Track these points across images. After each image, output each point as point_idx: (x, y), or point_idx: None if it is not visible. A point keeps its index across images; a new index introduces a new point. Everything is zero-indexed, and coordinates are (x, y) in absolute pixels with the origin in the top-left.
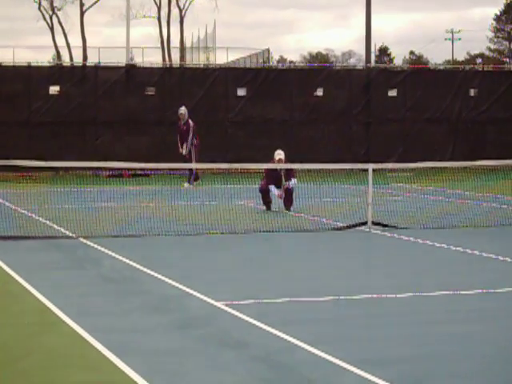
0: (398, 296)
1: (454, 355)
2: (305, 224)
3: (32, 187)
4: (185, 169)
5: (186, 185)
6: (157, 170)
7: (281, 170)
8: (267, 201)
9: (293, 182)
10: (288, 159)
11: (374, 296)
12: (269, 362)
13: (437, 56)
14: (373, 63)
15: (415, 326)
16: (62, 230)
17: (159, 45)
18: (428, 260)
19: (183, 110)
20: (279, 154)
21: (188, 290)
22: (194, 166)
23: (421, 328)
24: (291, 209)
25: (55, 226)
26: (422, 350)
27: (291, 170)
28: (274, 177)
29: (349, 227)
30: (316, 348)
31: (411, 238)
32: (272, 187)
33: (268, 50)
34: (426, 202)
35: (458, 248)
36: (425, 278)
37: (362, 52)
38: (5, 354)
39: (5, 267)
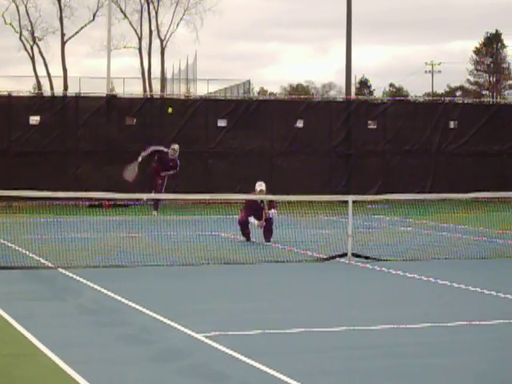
0: (376, 328)
1: None
2: (285, 255)
3: (11, 217)
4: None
5: (155, 212)
6: (136, 200)
7: (262, 201)
8: (246, 232)
9: (273, 211)
10: (269, 190)
11: (354, 328)
12: None
13: (417, 88)
14: (353, 95)
15: (394, 357)
16: (42, 260)
17: (140, 75)
18: (407, 292)
19: (177, 147)
20: (260, 185)
21: (168, 321)
22: (172, 196)
23: (400, 360)
24: (271, 240)
25: (35, 257)
26: (400, 382)
27: (272, 201)
28: (253, 208)
29: (329, 259)
30: (296, 380)
31: (391, 270)
32: (251, 218)
33: (249, 82)
34: (405, 234)
35: (437, 280)
36: (403, 310)
37: (343, 84)
38: None
39: None
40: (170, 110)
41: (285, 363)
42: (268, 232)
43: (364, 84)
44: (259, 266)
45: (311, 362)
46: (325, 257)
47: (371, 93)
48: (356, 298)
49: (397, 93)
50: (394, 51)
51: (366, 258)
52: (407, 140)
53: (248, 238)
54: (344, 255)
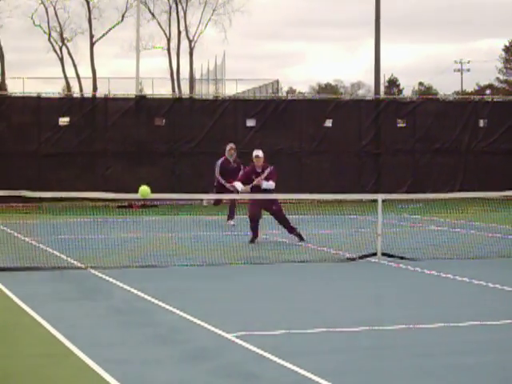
0: (406, 327)
1: None
2: (314, 255)
3: (42, 218)
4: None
5: (231, 222)
6: (166, 200)
7: (262, 170)
8: (255, 230)
9: (270, 183)
10: (298, 189)
11: (383, 328)
12: None
13: (446, 87)
14: (382, 94)
15: (425, 357)
16: (72, 260)
17: (169, 76)
18: (437, 291)
19: (234, 146)
20: (256, 151)
21: (198, 321)
22: (201, 197)
23: (430, 360)
24: (296, 230)
25: (64, 257)
26: (430, 382)
27: (273, 173)
28: (249, 177)
29: (358, 258)
30: (327, 380)
31: (421, 270)
32: (238, 184)
33: (277, 81)
34: (435, 233)
35: (464, 279)
36: (434, 309)
37: (372, 83)
38: None
39: (14, 298)
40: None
41: (315, 363)
42: (283, 222)
43: (393, 83)
44: (288, 266)
45: (340, 362)
46: (354, 256)
47: (400, 92)
48: (385, 298)
49: (426, 91)
50: (423, 50)
51: (396, 257)
52: (437, 139)
53: (254, 237)
54: (374, 255)
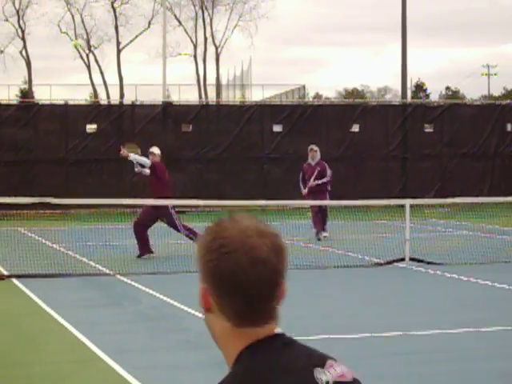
0: (435, 332)
1: None
2: (342, 260)
3: (69, 225)
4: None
5: (325, 234)
6: (194, 207)
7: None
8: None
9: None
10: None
11: (413, 333)
12: None
13: (473, 91)
14: (409, 99)
15: (455, 362)
16: (100, 267)
17: (195, 82)
18: (466, 296)
19: (315, 146)
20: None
21: None
22: (227, 203)
23: (461, 365)
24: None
25: (92, 264)
26: None
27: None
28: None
29: (387, 263)
30: None
31: (450, 274)
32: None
33: (304, 87)
34: (463, 238)
35: (494, 284)
36: (462, 314)
37: (398, 88)
38: None
39: (42, 304)
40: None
41: (350, 368)
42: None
43: (420, 87)
44: (316, 272)
45: (373, 367)
46: (382, 261)
47: (427, 96)
48: (414, 303)
49: (453, 96)
50: (450, 54)
51: (424, 262)
52: (464, 143)
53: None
54: (402, 260)
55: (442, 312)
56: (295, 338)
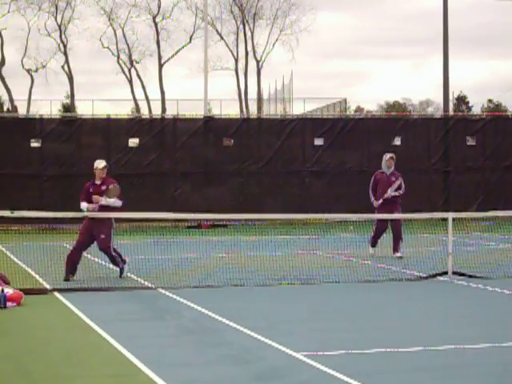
0: (476, 346)
1: None
2: (384, 273)
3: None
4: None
5: (398, 254)
6: (235, 220)
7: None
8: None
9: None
10: (367, 206)
11: (456, 347)
12: None
13: None
14: (451, 112)
15: (494, 377)
16: (141, 280)
17: (236, 96)
18: (510, 309)
19: (392, 155)
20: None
21: (267, 340)
22: (270, 216)
23: (500, 379)
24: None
25: (134, 277)
26: None
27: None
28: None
29: (429, 277)
30: None
31: (493, 288)
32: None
33: (345, 100)
34: (507, 252)
35: None
36: (504, 329)
37: (440, 100)
38: None
39: (84, 318)
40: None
41: (385, 382)
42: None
43: (462, 100)
44: (358, 285)
45: (412, 381)
46: (425, 275)
47: (469, 109)
48: (456, 317)
49: (495, 108)
50: (492, 66)
51: (468, 276)
52: (506, 156)
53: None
54: (445, 273)
55: (486, 325)
56: (335, 352)
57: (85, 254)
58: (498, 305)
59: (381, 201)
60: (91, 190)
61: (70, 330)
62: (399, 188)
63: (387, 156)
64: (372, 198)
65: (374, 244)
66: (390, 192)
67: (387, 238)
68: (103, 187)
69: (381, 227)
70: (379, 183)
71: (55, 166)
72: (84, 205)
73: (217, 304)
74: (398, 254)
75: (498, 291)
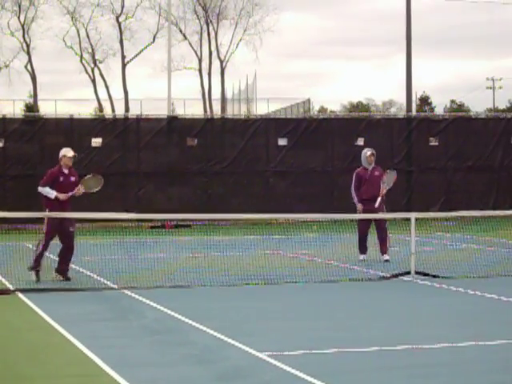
0: (439, 346)
1: None
2: (347, 273)
3: (74, 239)
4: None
5: (386, 257)
6: (199, 220)
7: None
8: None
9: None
10: (330, 209)
11: (417, 346)
12: None
13: (478, 104)
14: (414, 112)
15: (458, 376)
16: (105, 281)
17: (200, 96)
18: (471, 310)
19: (373, 151)
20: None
21: (230, 340)
22: (233, 216)
23: (465, 379)
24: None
25: (97, 278)
26: None
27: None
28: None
29: (392, 277)
30: None
31: (455, 288)
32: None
33: (309, 100)
34: (469, 252)
35: (500, 297)
36: (467, 328)
37: (403, 101)
38: None
39: (47, 318)
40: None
41: (349, 382)
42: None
43: (425, 101)
44: (321, 285)
45: (375, 381)
46: (388, 275)
47: (432, 109)
48: (419, 316)
49: (458, 109)
50: (455, 67)
51: (430, 275)
52: (469, 156)
53: (363, 251)
54: (407, 273)
55: (447, 325)
56: (299, 352)
57: (47, 253)
58: (460, 304)
59: (360, 205)
60: (61, 179)
61: (32, 330)
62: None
63: (368, 153)
64: (355, 199)
65: (362, 250)
66: (383, 191)
67: (346, 238)
68: (72, 178)
69: (362, 228)
70: (363, 180)
71: (18, 166)
72: (55, 194)
73: (180, 304)
74: (386, 257)
75: (460, 291)
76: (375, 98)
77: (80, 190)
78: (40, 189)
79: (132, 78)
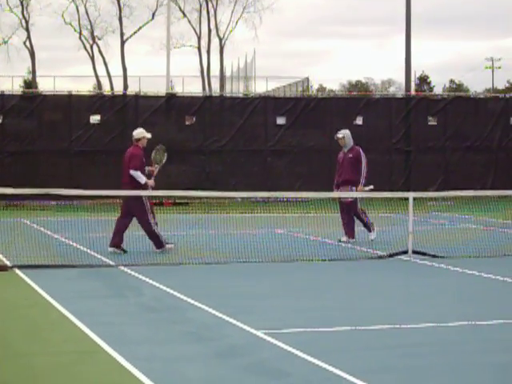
0: (437, 325)
1: None
2: (345, 253)
3: (72, 216)
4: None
5: (372, 236)
6: (197, 198)
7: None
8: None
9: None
10: (327, 185)
11: (415, 326)
12: None
13: (477, 84)
14: (413, 92)
15: (456, 355)
16: (103, 258)
17: (199, 74)
18: (468, 289)
19: (342, 133)
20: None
21: (228, 318)
22: (232, 194)
23: (462, 357)
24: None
25: (95, 255)
26: (463, 380)
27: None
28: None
29: (389, 256)
30: (357, 378)
31: (452, 267)
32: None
33: (307, 79)
34: (467, 231)
35: (497, 277)
36: (464, 307)
37: (402, 80)
38: (44, 383)
39: (45, 295)
40: None
41: (345, 361)
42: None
43: (424, 80)
44: (318, 264)
45: (371, 360)
46: (385, 254)
47: (431, 89)
48: (417, 296)
49: (457, 89)
50: (454, 47)
51: (427, 255)
52: (468, 136)
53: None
54: (405, 252)
55: (443, 305)
56: (296, 330)
57: (44, 230)
58: (457, 284)
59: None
60: (144, 160)
61: (30, 306)
62: (355, 166)
63: (335, 137)
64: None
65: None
66: (364, 187)
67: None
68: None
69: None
70: (338, 162)
71: (16, 143)
72: (144, 180)
73: (178, 282)
74: (344, 239)
75: (458, 270)
76: (374, 77)
77: (156, 170)
78: (133, 172)
79: (131, 55)
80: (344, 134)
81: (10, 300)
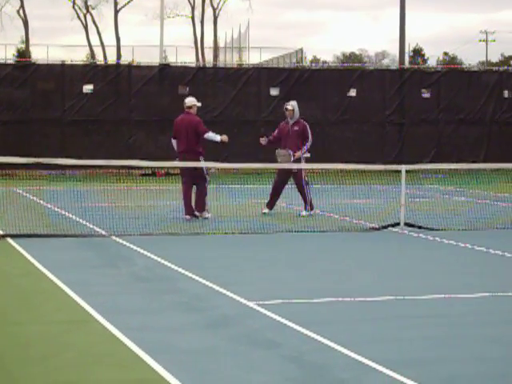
0: (427, 297)
1: (486, 357)
2: (336, 224)
3: (65, 185)
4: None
5: (304, 213)
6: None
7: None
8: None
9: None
10: (321, 159)
11: (405, 297)
12: (300, 362)
13: (471, 57)
14: (406, 64)
15: (445, 327)
16: (95, 228)
17: (193, 44)
18: (459, 262)
19: (292, 104)
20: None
21: (220, 289)
22: (224, 165)
23: (451, 329)
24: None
25: (88, 224)
26: (453, 351)
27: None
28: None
29: (381, 228)
30: (347, 349)
31: (444, 240)
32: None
33: (301, 50)
34: (459, 204)
35: (489, 250)
36: (455, 280)
37: (396, 52)
38: (36, 352)
39: (37, 264)
40: None
41: (336, 332)
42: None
43: (417, 53)
44: (310, 236)
45: (362, 331)
46: (377, 226)
47: (425, 61)
48: (408, 268)
49: (451, 61)
50: (449, 19)
51: (419, 227)
52: (461, 109)
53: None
54: (396, 225)
55: (435, 277)
56: (287, 301)
57: (36, 199)
58: (449, 256)
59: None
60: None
61: (22, 276)
62: (301, 139)
63: (284, 108)
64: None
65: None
66: (301, 154)
67: (336, 188)
68: None
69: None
70: (280, 133)
71: (9, 112)
72: (219, 137)
73: (170, 252)
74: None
75: (452, 243)
76: (368, 49)
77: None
78: (207, 135)
79: (124, 24)
80: (293, 106)
81: (1, 269)
